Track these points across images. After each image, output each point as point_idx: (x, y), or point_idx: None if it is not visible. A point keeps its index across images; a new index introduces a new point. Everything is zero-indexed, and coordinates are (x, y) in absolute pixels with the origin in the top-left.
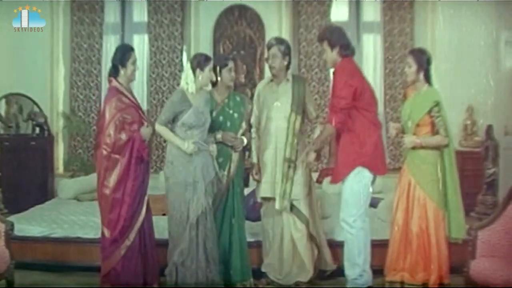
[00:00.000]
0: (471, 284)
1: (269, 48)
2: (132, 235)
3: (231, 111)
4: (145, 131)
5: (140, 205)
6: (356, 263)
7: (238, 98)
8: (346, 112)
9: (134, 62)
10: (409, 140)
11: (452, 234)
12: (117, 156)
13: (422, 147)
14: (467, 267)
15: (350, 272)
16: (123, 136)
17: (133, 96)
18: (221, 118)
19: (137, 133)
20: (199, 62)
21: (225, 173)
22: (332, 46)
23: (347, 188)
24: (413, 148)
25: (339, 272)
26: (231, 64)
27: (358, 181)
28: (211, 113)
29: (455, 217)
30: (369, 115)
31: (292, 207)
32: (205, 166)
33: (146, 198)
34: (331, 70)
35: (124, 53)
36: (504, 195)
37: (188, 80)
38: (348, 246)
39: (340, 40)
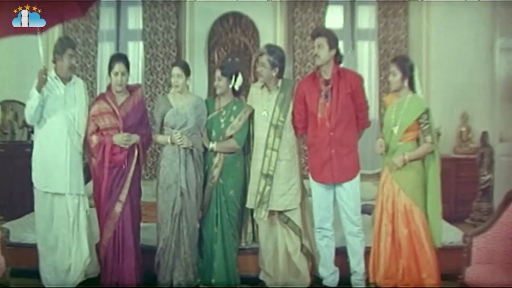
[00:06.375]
0: None
1: (260, 55)
2: (107, 235)
3: (221, 120)
4: (117, 137)
5: (112, 207)
6: (361, 258)
7: (234, 107)
8: None
9: (116, 74)
10: (399, 159)
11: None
12: (92, 158)
13: None
14: (462, 274)
15: (360, 268)
16: (94, 139)
17: (133, 103)
18: (208, 125)
19: (108, 138)
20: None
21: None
22: (330, 46)
23: (356, 195)
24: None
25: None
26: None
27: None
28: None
29: (433, 224)
30: None
31: (286, 218)
32: (181, 169)
33: (120, 204)
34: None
35: (109, 63)
36: (499, 201)
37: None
38: (362, 247)
39: (337, 44)
